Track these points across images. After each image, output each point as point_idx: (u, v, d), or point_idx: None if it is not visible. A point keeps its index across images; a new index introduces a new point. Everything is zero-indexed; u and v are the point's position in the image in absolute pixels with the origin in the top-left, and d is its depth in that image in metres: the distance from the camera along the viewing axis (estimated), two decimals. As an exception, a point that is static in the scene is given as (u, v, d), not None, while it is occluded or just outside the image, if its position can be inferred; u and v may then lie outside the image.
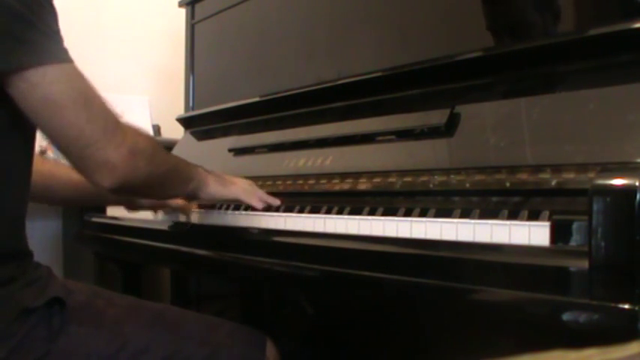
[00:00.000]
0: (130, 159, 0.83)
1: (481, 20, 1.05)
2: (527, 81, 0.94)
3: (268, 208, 1.09)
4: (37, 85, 0.76)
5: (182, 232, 1.18)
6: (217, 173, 1.08)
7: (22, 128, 0.82)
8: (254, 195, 1.08)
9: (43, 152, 1.68)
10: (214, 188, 1.04)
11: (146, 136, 0.91)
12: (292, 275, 0.92)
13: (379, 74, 1.15)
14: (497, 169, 0.87)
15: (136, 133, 0.87)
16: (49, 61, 0.76)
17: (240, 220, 1.08)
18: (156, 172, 0.91)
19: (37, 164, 0.92)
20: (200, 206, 1.24)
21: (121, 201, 1.26)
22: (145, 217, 1.35)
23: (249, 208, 1.13)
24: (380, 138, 1.09)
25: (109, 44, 2.18)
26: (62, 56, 0.79)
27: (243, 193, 1.08)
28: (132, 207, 1.27)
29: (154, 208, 1.29)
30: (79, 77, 0.80)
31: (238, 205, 1.17)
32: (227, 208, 1.20)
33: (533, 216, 0.75)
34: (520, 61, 0.94)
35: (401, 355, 1.23)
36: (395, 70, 1.12)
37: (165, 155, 0.97)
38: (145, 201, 1.23)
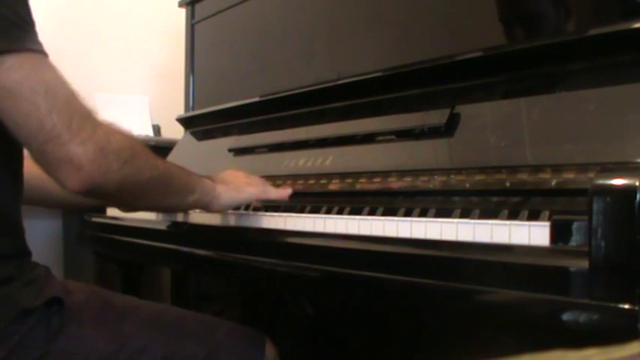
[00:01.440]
0: (100, 158, 0.75)
1: (481, 20, 1.05)
2: (527, 81, 0.94)
3: (268, 208, 1.09)
4: None
5: (182, 232, 1.18)
6: (226, 178, 1.02)
7: None
8: (270, 190, 1.05)
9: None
10: (227, 198, 0.98)
11: (125, 136, 0.82)
12: (292, 275, 0.92)
13: (379, 74, 1.15)
14: (498, 169, 0.87)
15: (111, 130, 0.79)
16: (11, 49, 0.72)
17: (240, 220, 1.07)
18: (135, 177, 0.82)
19: (29, 164, 0.87)
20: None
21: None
22: (145, 217, 1.35)
23: (249, 207, 1.13)
24: (380, 138, 1.09)
25: (109, 44, 2.18)
26: (28, 46, 0.74)
27: (259, 191, 1.03)
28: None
29: None
30: (44, 68, 0.75)
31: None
32: (227, 208, 1.19)
33: (533, 216, 0.75)
34: (520, 61, 0.94)
35: (401, 355, 1.23)
36: (395, 70, 1.12)
37: (152, 160, 0.86)
38: None
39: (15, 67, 0.73)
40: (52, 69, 0.76)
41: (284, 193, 1.06)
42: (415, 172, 0.97)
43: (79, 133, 0.74)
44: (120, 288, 1.63)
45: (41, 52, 0.76)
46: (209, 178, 0.99)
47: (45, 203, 1.12)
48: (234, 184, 1.01)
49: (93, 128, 0.76)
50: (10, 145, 0.81)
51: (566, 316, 0.60)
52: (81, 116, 0.76)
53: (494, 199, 0.85)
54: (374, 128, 1.11)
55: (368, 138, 1.11)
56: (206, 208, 0.99)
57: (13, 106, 0.73)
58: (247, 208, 1.14)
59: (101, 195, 0.82)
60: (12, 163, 0.85)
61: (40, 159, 0.76)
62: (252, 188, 1.03)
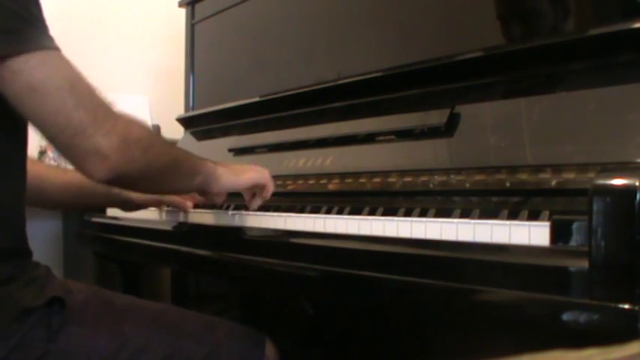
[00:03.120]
0: (123, 148, 0.79)
1: (481, 20, 1.05)
2: (527, 81, 0.94)
3: (268, 208, 1.09)
4: (19, 72, 0.73)
5: (182, 232, 1.18)
6: (227, 164, 1.04)
7: (14, 123, 0.81)
8: (269, 177, 1.06)
9: (42, 152, 1.68)
10: (226, 179, 1.00)
11: (142, 126, 0.86)
12: (292, 275, 0.92)
13: (379, 74, 1.15)
14: (497, 169, 0.87)
15: (130, 121, 0.83)
16: (31, 48, 0.74)
17: (240, 220, 1.07)
18: (154, 164, 0.87)
19: (28, 166, 0.89)
20: (199, 206, 1.24)
21: (114, 203, 1.25)
22: (144, 217, 1.35)
23: (248, 208, 1.13)
24: (380, 138, 1.09)
25: (109, 44, 2.18)
26: (45, 43, 0.76)
27: (259, 175, 1.04)
28: (127, 208, 1.26)
29: (148, 206, 1.28)
30: (64, 64, 0.77)
31: (239, 205, 1.17)
32: (227, 208, 1.20)
33: (533, 216, 0.75)
34: (520, 61, 0.94)
35: (401, 355, 1.23)
36: (395, 70, 1.12)
37: (166, 146, 0.92)
38: (138, 200, 1.22)
39: (38, 65, 0.74)
40: (70, 64, 0.78)
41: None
42: (415, 172, 0.97)
43: (103, 126, 0.77)
44: (120, 288, 1.63)
45: (57, 49, 0.78)
46: (211, 160, 1.01)
47: (43, 204, 1.13)
48: (234, 169, 1.03)
49: (115, 120, 0.80)
50: (13, 146, 0.82)
51: (566, 316, 0.60)
52: (103, 109, 0.79)
53: (494, 199, 0.85)
54: (374, 128, 1.11)
55: (368, 138, 1.11)
56: (208, 188, 1.00)
57: (40, 103, 0.75)
58: (247, 208, 1.14)
59: (125, 182, 0.87)
60: (15, 163, 0.85)
61: (67, 152, 0.79)
62: (252, 173, 1.04)
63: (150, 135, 0.87)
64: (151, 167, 0.86)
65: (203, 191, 1.02)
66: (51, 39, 0.78)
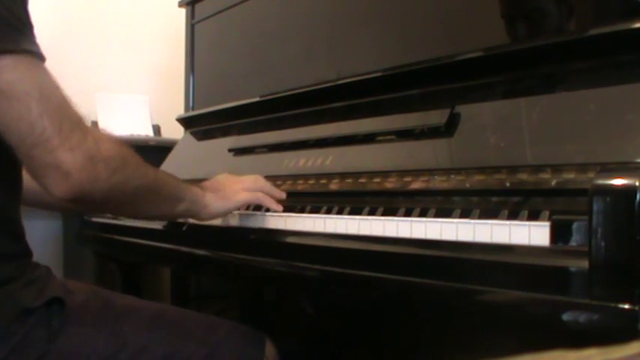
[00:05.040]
0: (88, 166, 0.74)
1: (481, 20, 1.05)
2: (527, 81, 0.94)
3: (268, 209, 1.09)
4: None
5: (182, 232, 1.18)
6: (217, 185, 1.01)
7: None
8: (263, 196, 1.04)
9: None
10: (215, 207, 0.97)
11: (115, 144, 0.80)
12: (292, 275, 0.92)
13: (379, 74, 1.15)
14: (497, 169, 0.87)
15: (101, 138, 0.78)
16: (6, 50, 0.71)
17: (240, 220, 1.07)
18: (124, 186, 0.81)
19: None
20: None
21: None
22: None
23: (249, 207, 1.13)
24: (380, 138, 1.09)
25: (109, 44, 2.18)
26: (24, 46, 0.73)
27: (250, 197, 1.02)
28: None
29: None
30: (39, 70, 0.74)
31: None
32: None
33: (533, 216, 0.75)
34: (520, 61, 0.94)
35: (401, 355, 1.23)
36: (395, 70, 1.12)
37: (143, 169, 0.85)
38: None
39: (10, 67, 0.72)
40: (46, 72, 0.76)
41: (275, 205, 1.04)
42: (415, 172, 0.97)
43: (68, 139, 0.73)
44: (120, 288, 1.63)
45: (37, 55, 0.76)
46: (199, 186, 0.98)
47: (48, 206, 1.12)
48: (224, 192, 1.00)
49: (83, 135, 0.75)
50: (8, 147, 0.81)
51: (566, 316, 0.60)
52: (72, 122, 0.75)
53: (494, 199, 0.85)
54: (374, 128, 1.11)
55: (368, 138, 1.11)
56: (195, 217, 1.00)
57: (5, 107, 0.72)
58: (247, 207, 1.14)
59: (87, 203, 0.80)
60: (11, 164, 0.85)
61: (27, 163, 0.75)
62: (242, 195, 1.02)
63: (123, 155, 0.81)
64: (119, 190, 0.81)
65: (192, 218, 0.99)
66: (33, 44, 0.75)
